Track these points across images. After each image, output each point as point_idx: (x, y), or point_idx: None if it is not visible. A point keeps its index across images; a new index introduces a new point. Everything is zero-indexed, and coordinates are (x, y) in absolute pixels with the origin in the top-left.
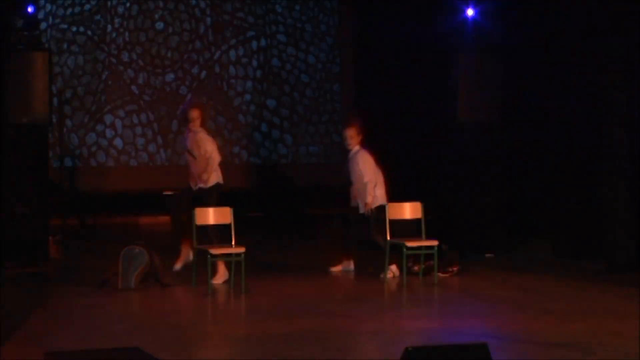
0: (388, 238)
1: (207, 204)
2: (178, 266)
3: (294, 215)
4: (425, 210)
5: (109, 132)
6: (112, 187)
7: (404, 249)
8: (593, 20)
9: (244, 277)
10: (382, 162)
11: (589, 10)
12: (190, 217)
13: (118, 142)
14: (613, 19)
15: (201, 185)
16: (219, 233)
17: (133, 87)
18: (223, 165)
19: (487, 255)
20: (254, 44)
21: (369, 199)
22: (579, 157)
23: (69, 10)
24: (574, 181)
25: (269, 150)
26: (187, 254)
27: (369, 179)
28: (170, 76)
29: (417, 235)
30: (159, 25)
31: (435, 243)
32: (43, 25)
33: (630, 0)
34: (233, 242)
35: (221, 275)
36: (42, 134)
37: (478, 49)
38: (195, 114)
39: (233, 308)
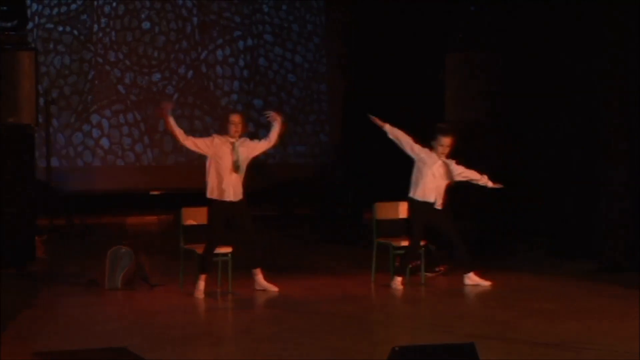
0: (375, 239)
1: (246, 217)
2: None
3: (282, 214)
4: None
5: (95, 132)
6: (99, 187)
7: (392, 249)
8: (584, 18)
9: (231, 276)
10: (370, 162)
11: (580, 9)
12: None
13: (105, 142)
14: (607, 16)
15: (236, 199)
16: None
17: (120, 87)
18: None
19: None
20: (241, 43)
21: None
22: (572, 156)
23: (55, 10)
24: (567, 181)
25: None
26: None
27: None
28: (157, 76)
29: (405, 235)
30: (146, 24)
31: (422, 243)
32: (29, 25)
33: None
34: None
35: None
36: (28, 134)
37: (466, 48)
38: (238, 118)
39: (220, 308)
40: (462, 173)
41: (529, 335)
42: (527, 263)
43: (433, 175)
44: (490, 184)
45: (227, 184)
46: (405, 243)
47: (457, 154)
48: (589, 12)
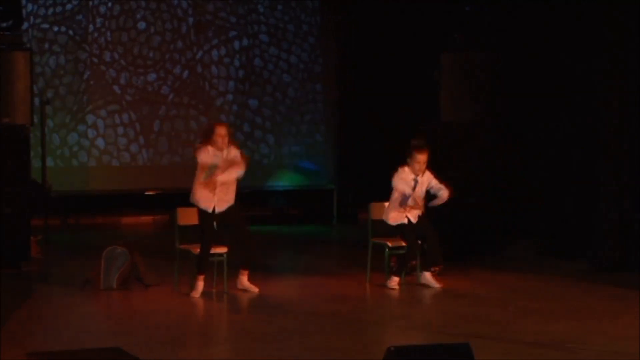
0: (370, 239)
1: (238, 221)
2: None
3: (276, 214)
4: None
5: (90, 132)
6: (94, 187)
7: (387, 249)
8: (584, 18)
9: (227, 277)
10: (365, 162)
11: (580, 9)
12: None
13: (100, 142)
14: (607, 16)
15: (225, 206)
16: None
17: (115, 87)
18: None
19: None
20: (236, 43)
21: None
22: (572, 156)
23: (51, 10)
24: (567, 181)
25: (251, 150)
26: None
27: None
28: (152, 76)
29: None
30: (141, 25)
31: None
32: (24, 25)
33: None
34: None
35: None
36: (23, 134)
37: (463, 48)
38: (224, 130)
39: (215, 308)
40: (433, 188)
41: (526, 336)
42: (525, 263)
43: (406, 211)
44: (444, 197)
45: (213, 195)
46: (399, 243)
47: (454, 155)
48: (589, 12)
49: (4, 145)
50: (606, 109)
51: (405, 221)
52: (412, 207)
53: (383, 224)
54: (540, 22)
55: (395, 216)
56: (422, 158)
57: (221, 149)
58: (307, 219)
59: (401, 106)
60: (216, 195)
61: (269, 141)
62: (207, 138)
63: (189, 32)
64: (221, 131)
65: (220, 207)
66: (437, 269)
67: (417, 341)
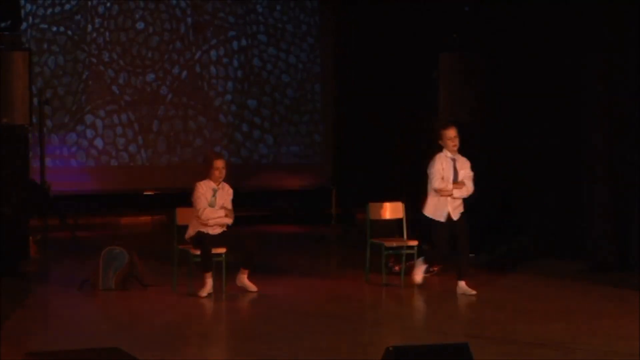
0: (369, 239)
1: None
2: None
3: (274, 214)
4: (407, 210)
5: (89, 132)
6: (93, 187)
7: (384, 249)
8: (583, 18)
9: (225, 277)
10: (364, 163)
11: (579, 8)
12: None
13: (98, 142)
14: (607, 16)
15: (219, 230)
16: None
17: (114, 87)
18: None
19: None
20: (235, 44)
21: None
22: (561, 156)
23: (49, 10)
24: (556, 181)
25: (250, 150)
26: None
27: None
28: (150, 76)
29: (398, 235)
30: (140, 25)
31: (415, 243)
32: (23, 25)
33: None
34: None
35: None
36: (22, 134)
37: (461, 49)
38: (222, 163)
39: (214, 308)
40: (464, 177)
41: (525, 336)
42: (524, 263)
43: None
44: (462, 193)
45: (208, 226)
46: (397, 243)
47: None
48: (588, 12)
49: (3, 146)
50: (604, 109)
51: (443, 219)
52: (455, 190)
53: (381, 224)
54: (539, 23)
55: (434, 208)
56: (451, 133)
57: (217, 182)
58: (306, 219)
59: (400, 106)
60: (211, 228)
61: (267, 141)
62: (204, 171)
63: (187, 32)
64: (219, 164)
65: (214, 231)
66: (435, 269)
67: (415, 341)
